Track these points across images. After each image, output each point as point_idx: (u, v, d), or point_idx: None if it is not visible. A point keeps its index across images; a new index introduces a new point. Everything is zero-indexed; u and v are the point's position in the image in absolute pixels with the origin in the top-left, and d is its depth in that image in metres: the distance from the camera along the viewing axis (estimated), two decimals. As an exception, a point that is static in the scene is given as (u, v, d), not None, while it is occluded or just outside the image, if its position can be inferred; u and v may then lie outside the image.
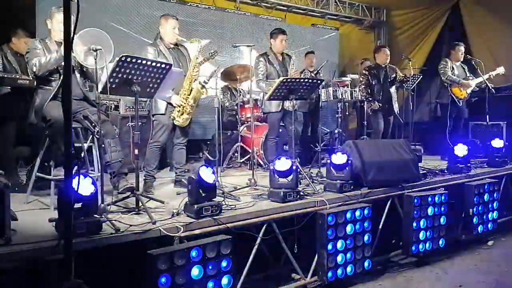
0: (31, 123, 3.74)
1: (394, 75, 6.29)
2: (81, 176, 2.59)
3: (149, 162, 4.25)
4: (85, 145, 3.79)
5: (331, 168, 4.04)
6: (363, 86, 6.26)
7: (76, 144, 3.65)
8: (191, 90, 4.26)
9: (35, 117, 3.67)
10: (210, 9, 8.14)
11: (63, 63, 3.52)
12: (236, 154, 6.11)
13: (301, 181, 4.31)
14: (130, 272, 2.75)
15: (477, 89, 6.76)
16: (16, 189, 3.91)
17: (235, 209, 3.34)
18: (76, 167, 3.17)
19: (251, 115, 5.21)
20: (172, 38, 4.30)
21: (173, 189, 4.38)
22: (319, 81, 4.65)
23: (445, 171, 5.16)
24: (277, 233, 3.44)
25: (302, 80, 4.42)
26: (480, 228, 4.84)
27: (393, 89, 6.39)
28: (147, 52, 4.15)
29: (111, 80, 3.13)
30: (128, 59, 3.11)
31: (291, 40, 8.62)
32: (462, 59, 6.75)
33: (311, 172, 4.89)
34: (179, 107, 4.20)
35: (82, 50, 3.36)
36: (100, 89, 3.23)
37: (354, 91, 6.69)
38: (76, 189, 2.41)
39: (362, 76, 6.32)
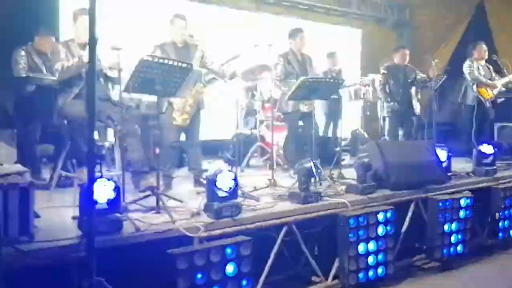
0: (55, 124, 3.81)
1: (413, 76, 6.17)
2: (104, 179, 2.61)
3: (163, 161, 4.20)
4: (107, 144, 3.83)
5: (362, 171, 3.96)
6: (381, 86, 6.17)
7: (98, 143, 3.69)
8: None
9: (57, 119, 3.73)
10: (230, 8, 8.14)
11: (84, 69, 3.60)
12: (255, 154, 6.08)
13: (321, 182, 4.27)
14: (150, 271, 2.76)
15: (504, 89, 6.59)
16: (40, 186, 3.97)
17: (255, 209, 3.32)
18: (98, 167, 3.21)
19: (271, 114, 5.19)
20: (178, 38, 4.26)
21: (193, 188, 4.38)
22: (340, 81, 4.59)
23: (471, 174, 5.03)
24: (297, 235, 3.40)
25: (323, 80, 4.37)
26: (506, 233, 4.71)
27: (412, 90, 6.27)
28: (153, 52, 4.12)
29: (134, 79, 3.15)
30: (151, 59, 3.12)
31: (312, 40, 8.57)
32: (485, 57, 6.59)
33: (332, 173, 4.83)
34: (178, 106, 4.17)
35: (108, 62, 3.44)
36: (122, 88, 3.26)
37: (378, 91, 6.60)
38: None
39: (381, 75, 6.23)
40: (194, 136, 4.42)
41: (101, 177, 2.59)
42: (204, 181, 4.25)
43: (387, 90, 6.11)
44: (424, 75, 6.15)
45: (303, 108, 5.20)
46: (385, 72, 6.18)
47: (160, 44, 4.33)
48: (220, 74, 4.49)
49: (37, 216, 2.81)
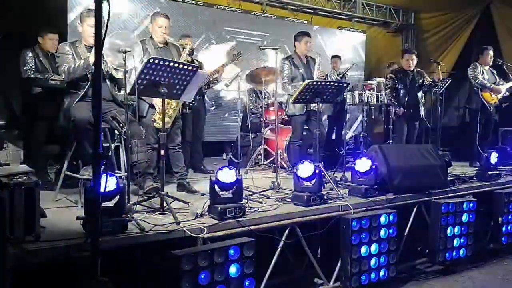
0: (61, 125, 3.84)
1: (421, 80, 6.18)
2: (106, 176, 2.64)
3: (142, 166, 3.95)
4: (112, 146, 3.86)
5: (356, 172, 4.00)
6: (388, 90, 6.19)
7: (103, 144, 3.71)
8: None
9: (63, 121, 3.76)
10: (237, 11, 8.19)
11: (91, 71, 3.62)
12: (260, 156, 6.11)
13: (325, 185, 4.28)
14: (154, 271, 2.78)
15: (508, 94, 6.59)
16: (46, 187, 4.01)
17: (259, 211, 3.33)
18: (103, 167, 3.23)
19: (275, 117, 5.21)
20: (159, 37, 4.19)
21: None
22: (345, 85, 4.61)
23: (474, 178, 5.04)
24: (300, 237, 3.41)
25: (328, 83, 4.39)
26: (509, 238, 4.70)
27: (420, 94, 6.28)
28: (133, 50, 3.94)
29: (139, 81, 3.17)
30: (156, 61, 3.15)
31: (317, 43, 8.61)
32: (491, 63, 6.59)
33: (336, 176, 4.85)
34: (160, 109, 4.14)
35: (114, 63, 3.45)
36: (128, 90, 3.28)
37: (380, 94, 6.60)
38: (103, 188, 2.47)
39: (388, 79, 6.25)
40: (175, 139, 4.26)
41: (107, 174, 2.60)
42: (188, 185, 4.28)
43: (394, 94, 6.12)
44: (431, 79, 6.17)
45: (314, 105, 5.14)
46: (392, 76, 6.19)
47: (141, 41, 4.16)
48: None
49: (44, 216, 2.84)
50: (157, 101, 4.01)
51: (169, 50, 4.29)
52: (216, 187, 3.10)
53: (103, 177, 2.61)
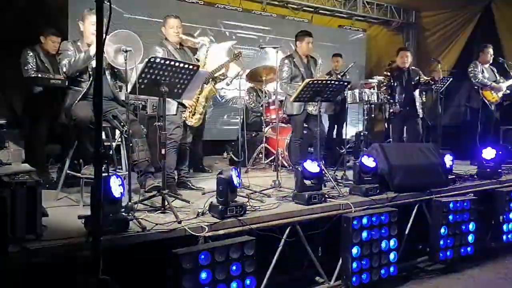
0: (62, 123, 3.84)
1: (417, 78, 6.17)
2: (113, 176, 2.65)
3: (168, 163, 4.03)
4: (113, 144, 3.86)
5: (357, 171, 4.00)
6: (384, 88, 6.17)
7: (104, 143, 3.72)
8: (202, 90, 4.27)
9: (65, 118, 3.76)
10: (237, 10, 8.18)
11: (92, 63, 3.62)
12: (260, 155, 6.11)
13: (326, 183, 4.28)
14: (155, 270, 2.79)
15: (509, 92, 6.58)
16: (47, 186, 4.02)
17: (259, 210, 3.34)
18: (105, 166, 3.23)
19: (276, 116, 5.21)
20: (173, 38, 4.23)
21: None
22: (345, 83, 4.60)
23: (475, 177, 5.04)
24: (301, 236, 3.42)
25: (328, 81, 4.39)
26: (510, 236, 4.70)
27: (416, 93, 6.27)
28: (156, 52, 4.06)
29: (140, 80, 3.18)
30: (157, 60, 3.15)
31: (318, 41, 8.60)
32: (491, 61, 6.58)
33: (336, 175, 4.85)
34: (191, 107, 4.20)
35: (112, 50, 3.42)
36: (129, 89, 3.29)
37: (381, 93, 6.59)
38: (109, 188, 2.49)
39: (384, 77, 6.24)
40: (188, 136, 4.36)
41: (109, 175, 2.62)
42: (190, 184, 4.31)
43: (390, 92, 6.11)
44: (428, 78, 6.15)
45: (311, 109, 5.20)
46: (388, 74, 6.18)
47: (161, 43, 4.25)
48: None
49: (45, 215, 2.85)
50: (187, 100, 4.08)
51: (184, 50, 4.36)
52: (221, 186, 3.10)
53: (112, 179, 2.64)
